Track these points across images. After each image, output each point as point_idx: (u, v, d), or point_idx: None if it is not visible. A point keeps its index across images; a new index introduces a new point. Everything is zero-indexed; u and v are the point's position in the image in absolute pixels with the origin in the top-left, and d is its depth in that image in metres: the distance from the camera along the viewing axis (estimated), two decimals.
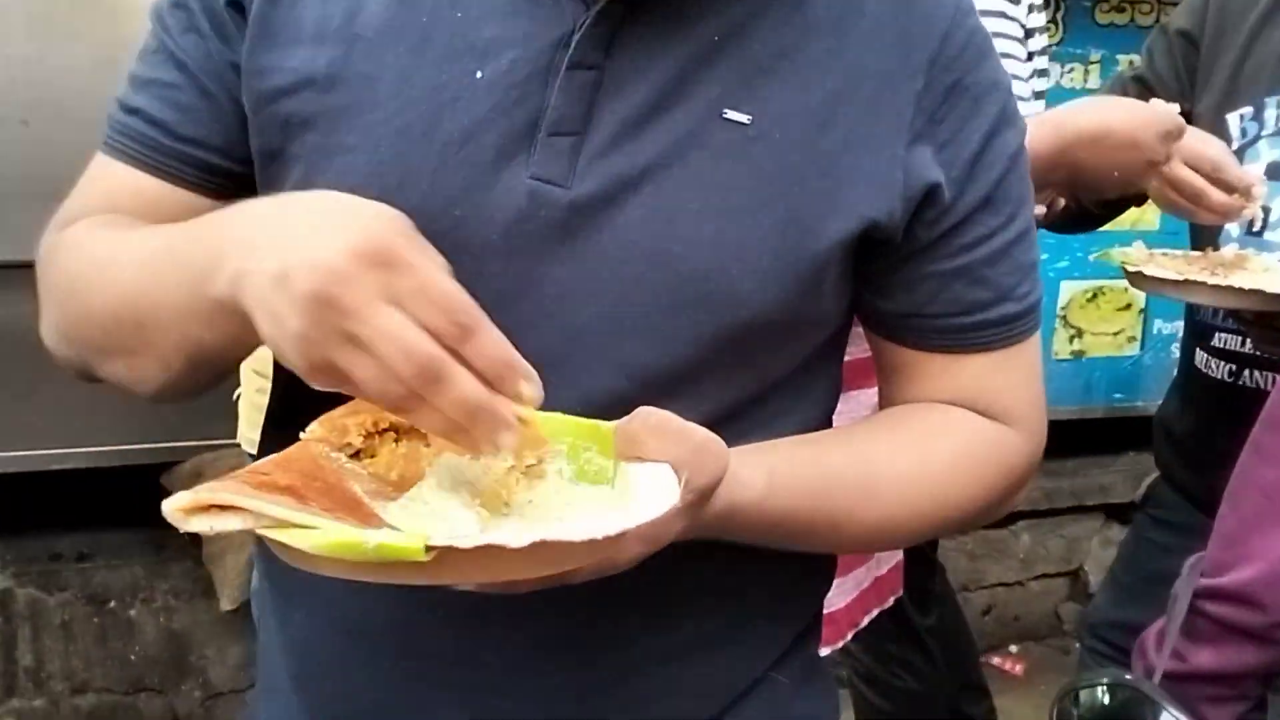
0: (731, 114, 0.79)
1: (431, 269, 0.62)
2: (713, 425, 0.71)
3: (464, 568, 0.58)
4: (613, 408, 0.72)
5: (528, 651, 0.82)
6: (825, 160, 0.79)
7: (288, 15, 0.81)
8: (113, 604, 2.59)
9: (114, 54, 2.36)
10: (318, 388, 0.63)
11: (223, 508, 0.59)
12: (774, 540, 0.82)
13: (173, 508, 0.59)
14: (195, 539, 2.03)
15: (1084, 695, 1.08)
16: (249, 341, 0.68)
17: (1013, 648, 3.33)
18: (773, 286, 0.79)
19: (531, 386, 0.63)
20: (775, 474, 0.78)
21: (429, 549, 0.55)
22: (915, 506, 0.86)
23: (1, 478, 2.45)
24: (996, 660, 3.24)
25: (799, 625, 0.96)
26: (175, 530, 0.60)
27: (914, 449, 0.86)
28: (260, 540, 0.60)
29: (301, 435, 0.69)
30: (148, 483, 2.50)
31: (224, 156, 0.85)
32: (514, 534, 0.56)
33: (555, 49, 0.78)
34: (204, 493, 0.59)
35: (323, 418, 0.70)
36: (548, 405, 0.66)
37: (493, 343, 0.62)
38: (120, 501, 2.63)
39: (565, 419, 0.71)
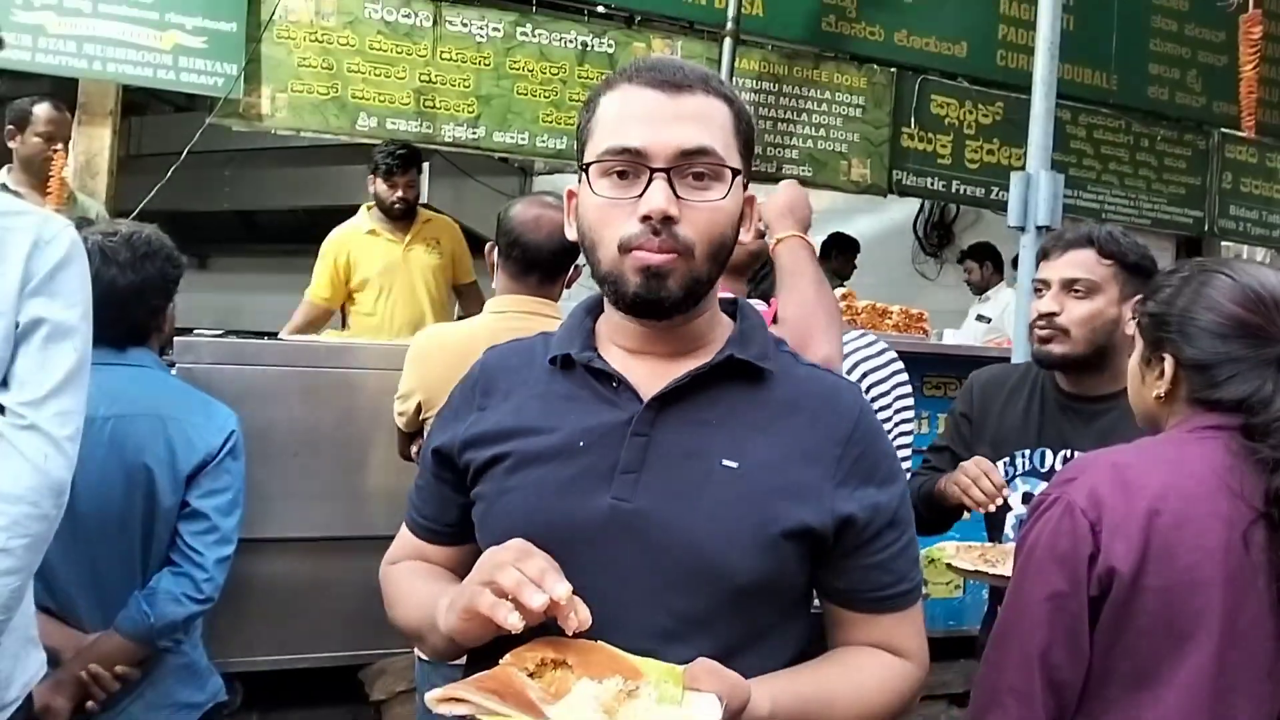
0: (727, 462, 1.07)
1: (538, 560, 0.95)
2: (724, 657, 0.96)
3: None
4: (661, 636, 1.01)
5: None
6: (783, 489, 1.07)
7: (482, 431, 1.16)
8: None
9: None
10: (469, 642, 0.99)
11: (459, 700, 0.86)
12: None
13: (431, 697, 0.86)
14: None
15: None
16: (467, 645, 1.03)
17: None
18: (753, 561, 1.04)
19: (581, 613, 0.93)
20: (776, 700, 1.02)
21: None
22: (864, 713, 1.12)
23: (241, 675, 2.98)
24: None
25: None
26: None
27: (860, 675, 1.13)
28: None
29: (500, 661, 0.96)
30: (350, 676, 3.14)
31: (450, 528, 1.24)
32: None
33: (625, 425, 1.09)
34: (450, 689, 0.86)
35: (512, 652, 0.97)
36: (627, 633, 0.93)
37: (553, 585, 0.93)
38: (330, 689, 3.17)
39: (654, 663, 0.94)
